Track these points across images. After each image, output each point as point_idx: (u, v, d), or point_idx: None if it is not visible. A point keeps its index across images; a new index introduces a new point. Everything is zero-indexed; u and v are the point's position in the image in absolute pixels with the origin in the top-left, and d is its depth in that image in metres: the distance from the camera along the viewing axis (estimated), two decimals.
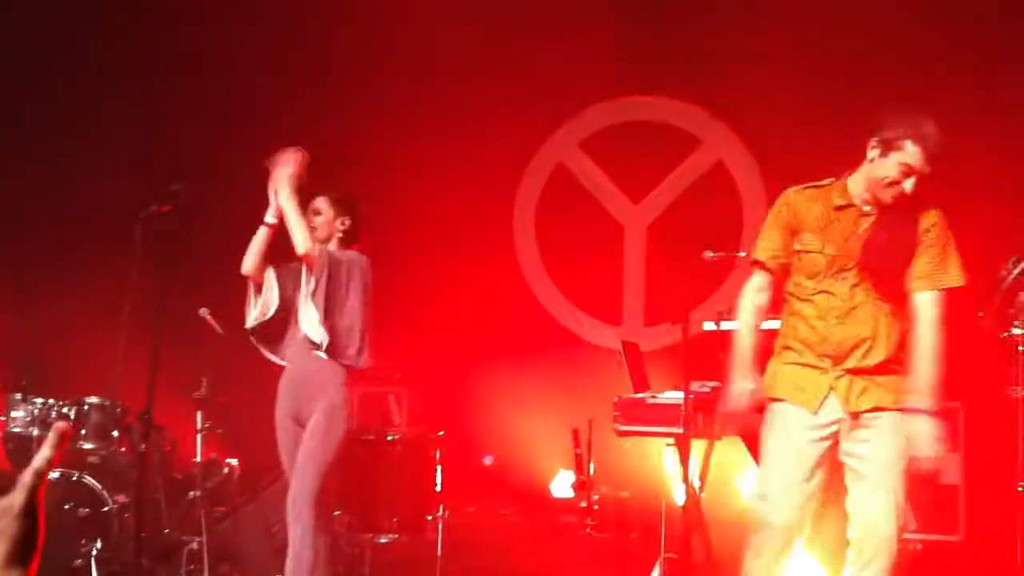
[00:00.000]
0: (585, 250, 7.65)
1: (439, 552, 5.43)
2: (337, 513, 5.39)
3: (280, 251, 4.80)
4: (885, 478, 3.65)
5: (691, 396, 4.53)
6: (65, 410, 5.64)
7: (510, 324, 7.48)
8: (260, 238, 4.75)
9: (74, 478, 5.42)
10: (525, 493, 6.85)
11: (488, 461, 7.17)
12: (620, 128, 7.71)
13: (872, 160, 3.66)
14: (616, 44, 7.40)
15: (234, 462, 6.02)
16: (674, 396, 4.71)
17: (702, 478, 4.87)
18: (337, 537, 5.34)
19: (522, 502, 6.79)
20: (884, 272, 3.70)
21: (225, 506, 5.91)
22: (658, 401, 4.79)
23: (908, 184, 3.59)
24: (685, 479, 4.56)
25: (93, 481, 5.43)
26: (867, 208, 3.73)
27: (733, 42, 7.10)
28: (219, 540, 5.61)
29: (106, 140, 7.29)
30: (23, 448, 5.34)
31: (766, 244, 3.89)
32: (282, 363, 4.79)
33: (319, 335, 4.59)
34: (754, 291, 3.92)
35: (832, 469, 3.78)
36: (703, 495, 4.87)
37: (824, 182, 3.86)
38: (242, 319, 4.85)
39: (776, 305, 4.37)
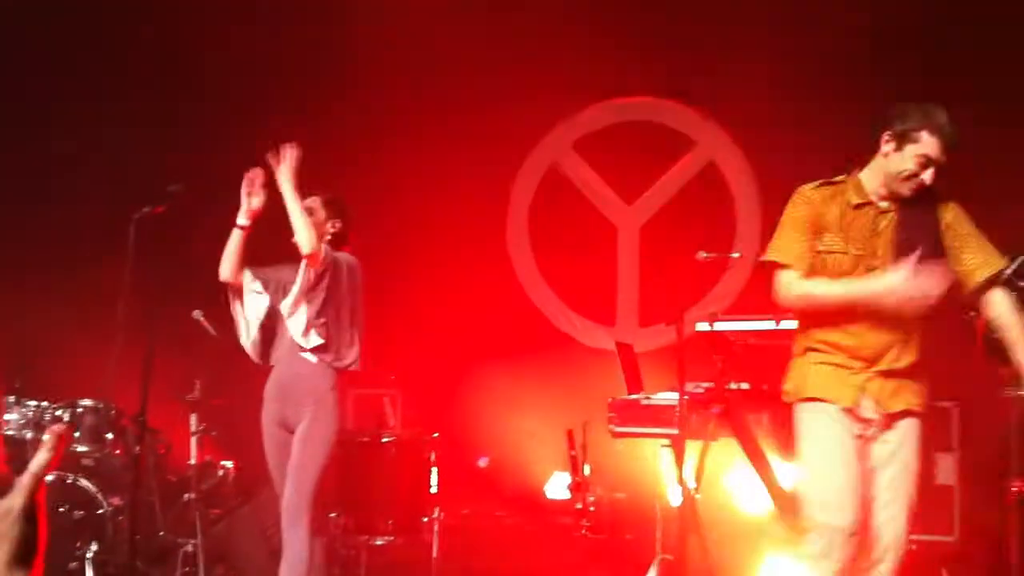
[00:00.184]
0: (579, 251, 7.65)
1: (435, 554, 5.43)
2: (333, 515, 5.38)
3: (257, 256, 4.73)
4: (903, 482, 3.63)
5: (686, 397, 4.54)
6: (59, 413, 5.63)
7: (504, 326, 7.48)
8: (234, 241, 4.64)
9: (69, 480, 5.41)
10: (520, 495, 6.84)
11: (483, 463, 7.17)
12: (613, 129, 7.72)
13: (887, 154, 3.57)
14: (609, 46, 7.40)
15: (229, 464, 6.01)
16: (669, 397, 4.71)
17: (697, 479, 4.86)
18: (333, 539, 5.34)
19: (517, 504, 6.78)
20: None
21: (220, 508, 5.91)
22: (652, 402, 4.79)
23: (927, 175, 3.52)
24: (680, 480, 4.56)
25: (88, 484, 5.43)
26: (883, 205, 3.64)
27: (726, 43, 7.12)
28: (214, 542, 5.60)
29: (100, 142, 7.27)
30: (17, 451, 5.32)
31: (790, 246, 3.69)
32: (263, 363, 4.72)
33: (313, 336, 4.50)
34: (798, 278, 3.66)
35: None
36: (698, 496, 4.87)
37: (837, 179, 3.74)
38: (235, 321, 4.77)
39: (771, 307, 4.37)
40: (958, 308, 4.03)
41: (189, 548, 5.49)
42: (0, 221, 7.08)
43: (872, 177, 3.65)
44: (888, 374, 3.61)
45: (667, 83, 7.55)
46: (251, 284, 4.68)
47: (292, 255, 4.58)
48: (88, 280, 6.50)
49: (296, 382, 4.55)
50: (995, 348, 3.87)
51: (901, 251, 3.54)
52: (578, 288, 7.67)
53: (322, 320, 4.51)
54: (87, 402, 5.65)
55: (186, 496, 5.64)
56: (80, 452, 5.61)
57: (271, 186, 4.56)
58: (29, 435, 5.51)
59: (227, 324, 5.01)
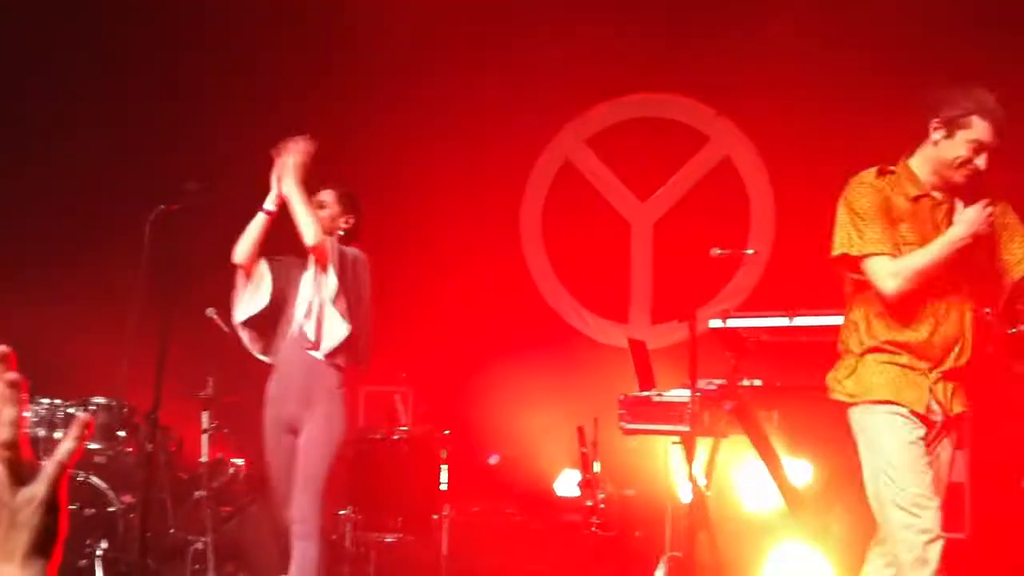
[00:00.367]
0: (592, 248, 7.64)
1: (444, 551, 5.42)
2: (343, 512, 5.38)
3: (271, 245, 4.66)
4: (940, 485, 3.58)
5: (698, 394, 4.53)
6: (71, 410, 5.64)
7: (516, 323, 7.47)
8: (257, 225, 4.52)
9: (80, 478, 5.41)
10: (530, 492, 6.84)
11: (493, 460, 7.17)
12: (627, 125, 7.70)
13: (937, 142, 3.48)
14: (623, 41, 7.40)
15: (240, 462, 6.01)
16: (680, 394, 4.70)
17: (708, 476, 4.86)
18: (343, 536, 5.34)
19: (527, 501, 6.78)
20: (974, 265, 3.53)
21: (231, 506, 5.91)
22: (664, 399, 4.78)
23: (981, 161, 3.43)
24: (691, 477, 4.55)
25: (99, 481, 5.43)
26: (937, 195, 3.54)
27: (739, 39, 7.10)
28: (225, 540, 5.61)
29: (113, 139, 7.30)
30: (30, 449, 5.33)
31: (883, 234, 3.48)
32: (263, 359, 4.62)
33: (337, 334, 4.37)
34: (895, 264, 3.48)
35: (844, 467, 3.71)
36: (709, 493, 4.87)
37: (891, 168, 3.60)
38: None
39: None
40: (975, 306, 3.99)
41: (200, 546, 5.49)
42: (13, 219, 7.11)
43: (922, 165, 3.55)
44: (950, 375, 3.52)
45: (681, 79, 7.53)
46: (262, 268, 4.57)
47: (301, 250, 4.52)
48: (102, 278, 6.53)
49: (303, 381, 4.42)
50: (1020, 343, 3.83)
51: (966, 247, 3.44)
52: (591, 285, 7.65)
53: (339, 315, 4.39)
54: (99, 400, 5.66)
55: (197, 494, 5.64)
56: (92, 450, 5.62)
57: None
58: (42, 433, 5.53)
59: None
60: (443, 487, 5.67)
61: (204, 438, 5.72)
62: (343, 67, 7.54)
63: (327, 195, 4.59)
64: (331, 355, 4.41)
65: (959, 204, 3.53)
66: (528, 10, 7.50)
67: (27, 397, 1.17)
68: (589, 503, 5.83)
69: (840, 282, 6.50)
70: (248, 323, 4.58)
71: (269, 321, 4.57)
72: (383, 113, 7.49)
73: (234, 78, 7.37)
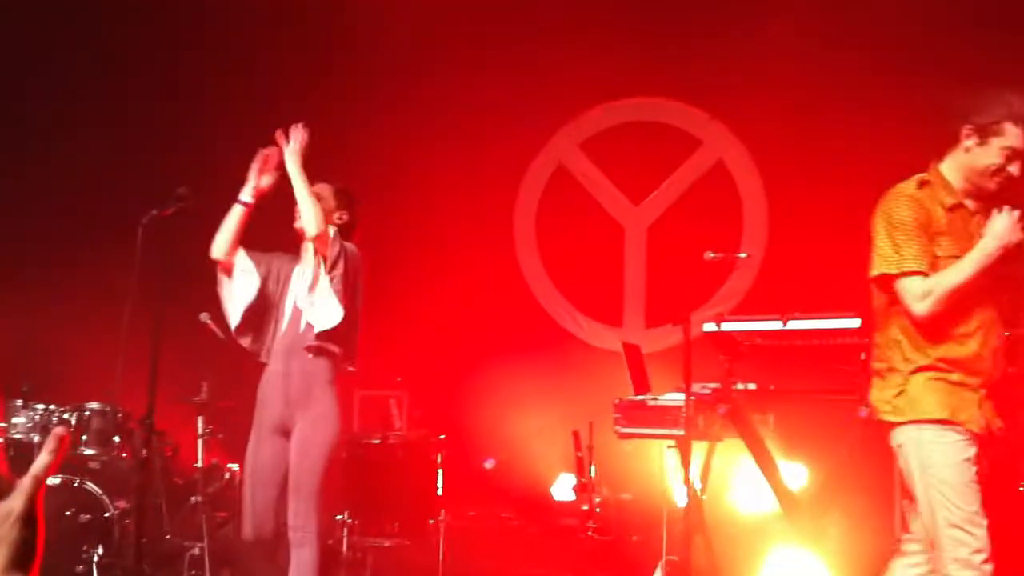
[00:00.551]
0: (585, 252, 7.65)
1: (441, 556, 5.42)
2: (340, 517, 5.37)
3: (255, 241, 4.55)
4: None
5: (692, 398, 4.52)
6: (66, 416, 5.64)
7: (511, 327, 7.47)
8: (234, 217, 4.41)
9: (75, 484, 5.41)
10: (526, 496, 6.84)
11: (489, 465, 7.16)
12: (620, 129, 7.72)
13: (969, 149, 3.40)
14: (616, 46, 7.40)
15: (235, 467, 6.00)
16: (675, 398, 4.70)
17: (703, 480, 4.86)
18: (339, 541, 5.33)
19: (523, 505, 6.78)
20: (1012, 277, 3.49)
21: (226, 511, 5.90)
22: (659, 403, 4.78)
23: (1015, 168, 3.36)
24: (686, 481, 4.55)
25: (94, 487, 5.42)
26: (969, 204, 3.47)
27: (732, 43, 7.11)
28: (220, 545, 5.60)
29: (105, 143, 7.29)
30: (24, 454, 5.34)
31: (915, 252, 3.38)
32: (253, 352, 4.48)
33: (337, 315, 4.24)
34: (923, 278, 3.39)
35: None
36: (704, 497, 4.86)
37: (925, 177, 3.51)
38: None
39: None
40: None
41: (196, 551, 5.49)
42: (6, 223, 7.10)
43: (954, 173, 3.48)
44: (992, 389, 3.44)
45: (674, 83, 7.54)
46: (243, 263, 4.45)
47: (289, 246, 4.44)
48: (95, 283, 6.51)
49: (295, 381, 4.31)
50: None
51: (1008, 259, 3.37)
52: (585, 289, 7.66)
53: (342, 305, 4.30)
54: (94, 405, 5.65)
55: (193, 499, 5.64)
56: (87, 455, 5.61)
57: (283, 171, 4.39)
58: (36, 438, 5.52)
59: None
60: (439, 492, 5.65)
61: (199, 443, 5.71)
62: (342, 67, 7.55)
63: (323, 189, 4.50)
64: (324, 339, 4.28)
65: (994, 213, 3.43)
66: (523, 14, 7.51)
67: (2, 416, 1.17)
68: (585, 507, 5.83)
69: (834, 286, 6.55)
70: (244, 322, 4.45)
71: (262, 317, 4.45)
72: (378, 115, 7.49)
73: (234, 78, 7.36)
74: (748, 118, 7.33)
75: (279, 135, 4.39)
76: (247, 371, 5.04)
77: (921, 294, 3.36)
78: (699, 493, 4.77)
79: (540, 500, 6.77)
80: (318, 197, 4.41)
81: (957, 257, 3.38)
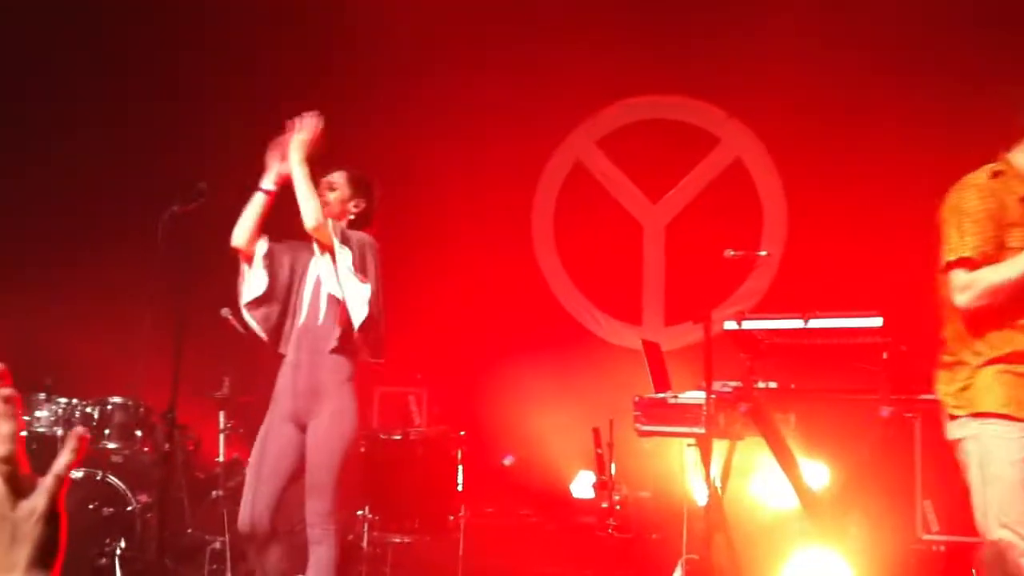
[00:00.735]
0: (604, 249, 7.64)
1: (461, 552, 5.42)
2: (360, 513, 5.37)
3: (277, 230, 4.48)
4: None
5: (713, 396, 4.51)
6: (88, 410, 5.66)
7: (529, 324, 7.48)
8: (255, 205, 4.32)
9: (98, 477, 5.44)
10: (545, 493, 6.84)
11: (508, 461, 7.17)
12: (638, 127, 7.71)
13: None
14: (634, 43, 7.40)
15: None
16: (695, 396, 4.68)
17: (724, 479, 4.84)
18: (359, 537, 5.33)
19: (542, 502, 6.78)
20: None
21: None
22: (680, 401, 4.76)
23: None
24: (707, 479, 4.54)
25: (117, 480, 5.45)
26: None
27: (750, 41, 7.09)
28: (242, 539, 5.62)
29: (128, 139, 7.33)
30: (47, 448, 5.38)
31: (975, 240, 3.30)
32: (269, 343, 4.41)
33: (360, 314, 4.15)
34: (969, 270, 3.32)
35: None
36: (725, 496, 4.85)
37: (997, 167, 3.42)
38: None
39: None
40: None
41: (217, 545, 5.51)
42: (30, 219, 7.16)
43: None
44: None
45: (692, 81, 7.52)
46: (264, 251, 4.36)
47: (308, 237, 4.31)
48: (118, 278, 6.55)
49: (312, 374, 4.24)
50: None
51: None
52: (604, 287, 7.66)
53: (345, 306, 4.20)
54: (116, 399, 5.68)
55: (214, 493, 5.66)
56: (109, 449, 5.64)
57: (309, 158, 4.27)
58: (59, 432, 5.56)
59: None
60: (459, 488, 5.66)
61: (221, 438, 5.74)
62: (356, 72, 7.53)
63: (337, 177, 4.41)
64: (344, 334, 4.20)
65: None
66: (540, 10, 7.50)
67: (22, 412, 1.17)
68: (604, 505, 5.83)
69: (853, 285, 6.52)
70: (253, 306, 4.37)
71: (277, 306, 4.38)
72: (395, 117, 7.48)
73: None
74: (766, 116, 7.31)
75: (290, 122, 4.30)
76: (268, 366, 5.05)
77: (962, 285, 3.30)
78: (719, 491, 4.75)
79: (559, 497, 6.78)
80: (332, 186, 4.35)
81: None
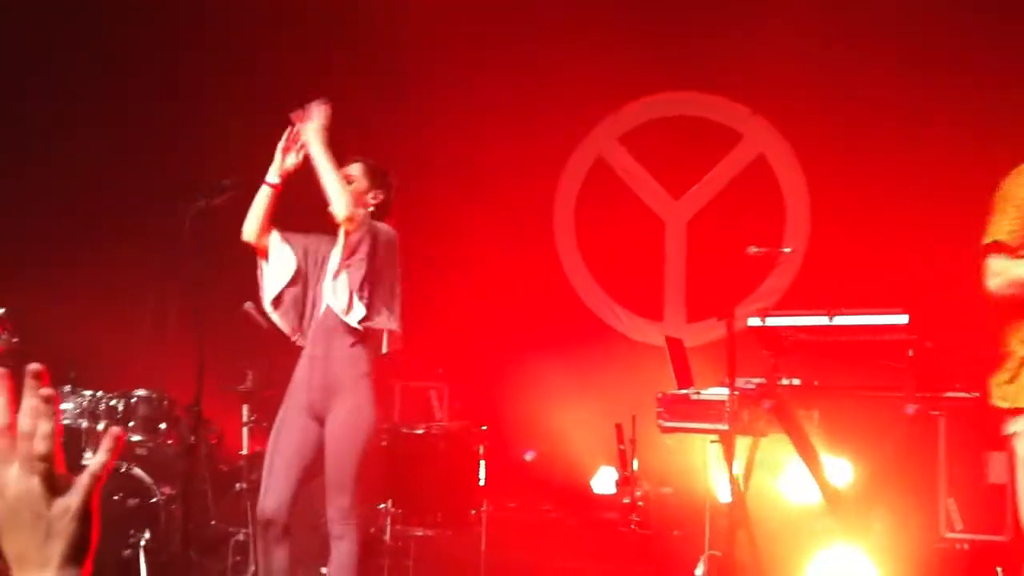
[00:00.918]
0: (625, 245, 7.62)
1: (483, 547, 5.43)
2: (383, 506, 5.39)
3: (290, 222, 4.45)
4: None
5: (736, 392, 4.50)
6: (113, 402, 5.69)
7: (550, 320, 7.48)
8: (261, 199, 4.25)
9: (123, 469, 5.47)
10: (566, 489, 6.84)
11: (529, 457, 7.18)
12: (660, 123, 7.69)
13: None
14: (656, 39, 7.38)
15: None
16: (718, 392, 4.68)
17: (747, 475, 4.83)
18: (382, 530, 5.35)
19: (563, 498, 6.78)
20: None
21: None
22: (702, 397, 4.75)
23: None
24: (730, 476, 4.53)
25: (141, 472, 5.49)
26: None
27: (774, 37, 7.05)
28: (257, 529, 5.65)
29: (153, 133, 7.36)
30: (72, 440, 5.41)
31: (1013, 226, 3.25)
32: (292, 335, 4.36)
33: (356, 312, 4.12)
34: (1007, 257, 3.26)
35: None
36: (748, 492, 4.83)
37: None
38: None
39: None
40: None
41: (240, 537, 5.55)
42: (55, 211, 7.20)
43: None
44: None
45: (714, 77, 7.49)
46: (278, 244, 4.31)
47: (325, 228, 4.30)
48: (143, 272, 6.60)
49: (331, 367, 4.18)
50: None
51: None
52: (625, 283, 7.65)
53: (364, 294, 4.14)
54: (141, 392, 5.71)
55: (237, 486, 5.69)
56: (134, 441, 5.68)
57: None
58: (84, 424, 5.60)
59: None
60: (481, 483, 5.67)
61: (244, 431, 5.77)
62: (377, 70, 7.51)
63: (354, 168, 4.32)
64: (366, 336, 4.17)
65: None
66: (562, 7, 7.49)
67: (59, 411, 1.19)
68: (626, 500, 5.82)
69: (877, 282, 6.49)
70: (280, 303, 4.33)
71: (299, 298, 4.32)
72: (417, 114, 7.47)
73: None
74: (790, 113, 7.28)
75: (296, 114, 4.22)
76: (291, 360, 5.08)
77: (995, 271, 3.26)
78: (742, 488, 4.74)
79: (580, 493, 6.78)
80: (349, 178, 4.26)
81: None
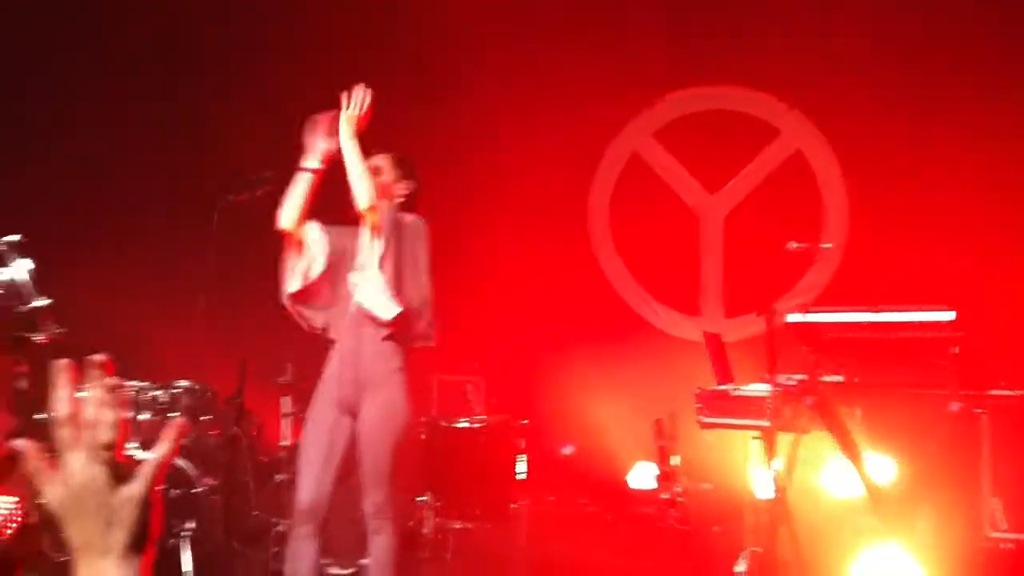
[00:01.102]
0: (661, 240, 7.59)
1: (522, 540, 5.43)
2: (422, 499, 5.40)
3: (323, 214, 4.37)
4: None
5: (778, 388, 4.47)
6: (156, 393, 5.73)
7: (586, 314, 7.48)
8: (301, 186, 4.14)
9: None
10: (603, 483, 6.84)
11: (567, 451, 7.17)
12: (695, 118, 7.64)
13: None
14: (690, 34, 7.34)
15: None
16: (759, 388, 4.64)
17: (788, 472, 4.79)
18: (421, 522, 5.37)
19: (600, 492, 6.78)
20: None
21: None
22: (743, 393, 4.72)
23: None
24: (772, 473, 4.50)
25: (184, 463, 5.54)
26: None
27: (810, 32, 7.01)
28: (295, 521, 5.68)
29: (190, 129, 7.42)
30: None
31: None
32: (316, 330, 4.30)
33: (390, 308, 4.06)
34: None
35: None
36: (789, 489, 4.80)
37: None
38: None
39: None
40: None
41: (281, 528, 5.58)
42: (102, 204, 7.28)
43: None
44: None
45: (751, 72, 7.43)
46: (315, 234, 4.24)
47: (354, 220, 4.21)
48: (185, 265, 6.64)
49: (362, 361, 4.12)
50: None
51: None
52: (661, 278, 7.62)
53: (394, 286, 4.08)
54: (183, 383, 5.74)
55: (278, 477, 5.73)
56: None
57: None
58: (128, 415, 5.66)
59: None
60: (521, 476, 5.67)
61: (284, 423, 5.80)
62: (416, 65, 7.50)
63: (381, 160, 4.26)
64: (387, 326, 4.10)
65: None
66: (598, 1, 7.45)
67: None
68: (665, 496, 5.80)
69: (916, 278, 6.41)
70: (301, 293, 4.26)
71: (326, 291, 4.25)
72: (455, 109, 7.46)
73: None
74: (827, 108, 7.21)
75: (343, 96, 4.12)
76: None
77: None
78: (783, 484, 4.70)
79: (617, 488, 6.77)
80: (377, 170, 4.20)
81: None
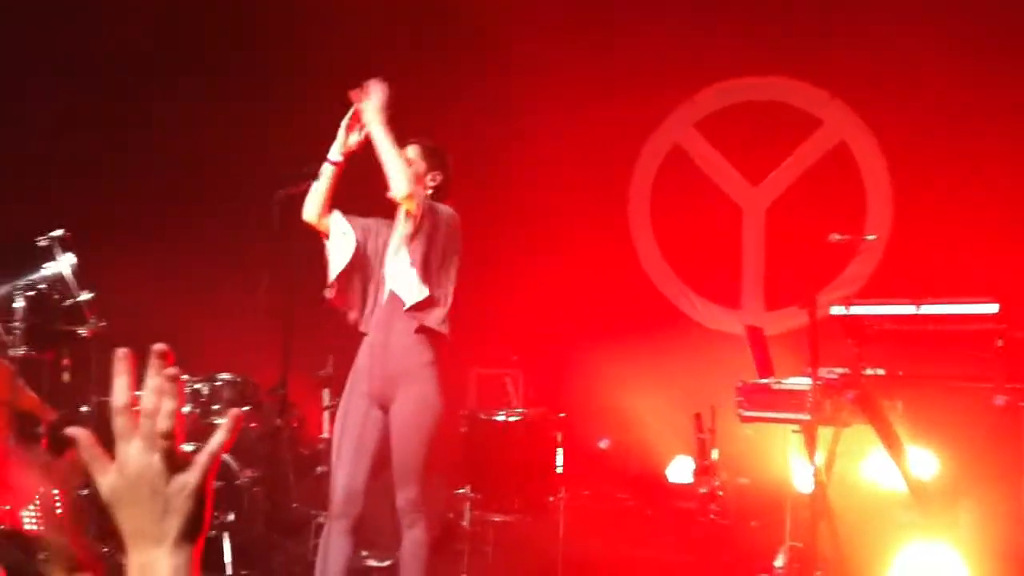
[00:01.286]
0: (701, 232, 7.55)
1: (561, 533, 5.43)
2: (462, 491, 5.41)
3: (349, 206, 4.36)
4: None
5: (820, 382, 4.43)
6: (198, 386, 5.79)
7: (625, 307, 7.45)
8: (324, 179, 4.13)
9: None
10: (641, 477, 6.82)
11: (604, 444, 7.16)
12: (737, 109, 7.58)
13: None
14: (734, 24, 7.28)
15: None
16: (800, 382, 4.61)
17: (829, 466, 4.76)
18: (460, 515, 5.38)
19: (638, 486, 6.76)
20: None
21: None
22: (784, 387, 4.69)
23: None
24: (813, 467, 4.46)
25: (225, 455, 5.59)
26: None
27: (853, 21, 6.93)
28: (331, 515, 5.71)
29: (241, 124, 7.47)
30: None
31: None
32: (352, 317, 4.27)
33: (418, 292, 4.03)
34: None
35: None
36: (829, 484, 4.76)
37: None
38: None
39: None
40: None
41: (321, 520, 5.61)
42: (146, 198, 7.36)
43: None
44: None
45: (793, 62, 7.37)
46: (340, 226, 4.20)
47: (385, 212, 4.22)
48: (231, 258, 6.71)
49: (393, 354, 4.08)
50: None
51: None
52: (701, 270, 7.58)
53: (429, 277, 4.05)
54: (225, 376, 5.79)
55: (318, 469, 5.77)
56: (218, 424, 5.77)
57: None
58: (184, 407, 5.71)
59: None
60: (559, 469, 5.67)
61: (325, 415, 5.84)
62: (458, 60, 7.50)
63: (411, 151, 4.19)
64: (416, 310, 4.06)
65: None
66: None
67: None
68: (703, 490, 5.78)
69: (960, 271, 6.33)
70: (338, 283, 4.20)
71: (360, 283, 4.22)
72: (496, 101, 7.45)
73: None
74: (871, 98, 7.12)
75: (354, 93, 4.08)
76: None
77: None
78: (824, 479, 4.67)
79: (655, 481, 6.75)
80: (408, 161, 4.11)
81: None
